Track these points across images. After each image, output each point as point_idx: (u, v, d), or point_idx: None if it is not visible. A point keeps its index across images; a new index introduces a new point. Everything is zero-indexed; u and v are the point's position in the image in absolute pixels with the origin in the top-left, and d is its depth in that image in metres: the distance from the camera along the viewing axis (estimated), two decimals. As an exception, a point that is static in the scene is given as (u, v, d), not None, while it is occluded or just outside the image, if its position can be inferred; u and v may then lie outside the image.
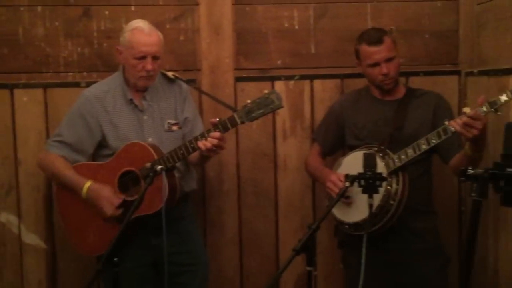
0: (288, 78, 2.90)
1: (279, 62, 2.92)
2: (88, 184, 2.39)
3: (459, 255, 2.95)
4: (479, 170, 1.15)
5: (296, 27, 2.91)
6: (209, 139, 2.22)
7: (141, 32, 2.41)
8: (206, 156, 2.35)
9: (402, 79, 2.84)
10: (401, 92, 2.54)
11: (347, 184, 2.01)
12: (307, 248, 1.88)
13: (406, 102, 2.49)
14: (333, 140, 2.64)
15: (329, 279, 2.95)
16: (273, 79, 2.90)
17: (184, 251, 2.53)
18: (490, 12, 2.69)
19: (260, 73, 2.91)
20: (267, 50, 2.91)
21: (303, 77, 2.91)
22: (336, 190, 2.35)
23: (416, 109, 2.47)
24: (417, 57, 2.93)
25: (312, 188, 2.93)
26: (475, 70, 2.81)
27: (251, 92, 2.84)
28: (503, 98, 2.03)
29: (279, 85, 2.90)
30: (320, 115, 2.81)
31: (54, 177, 2.54)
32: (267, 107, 2.20)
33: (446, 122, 2.18)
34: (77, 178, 2.42)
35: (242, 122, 2.22)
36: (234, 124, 2.22)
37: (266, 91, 2.21)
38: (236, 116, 2.21)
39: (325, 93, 2.91)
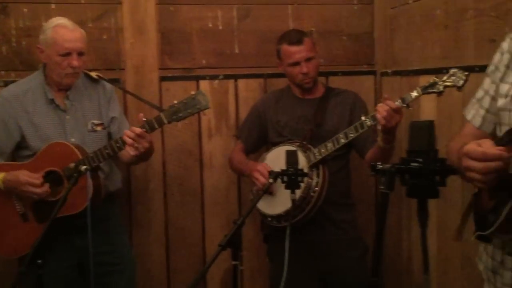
0: (213, 77, 2.96)
1: (203, 61, 2.97)
2: (1, 175, 2.33)
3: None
4: (387, 165, 1.25)
5: (220, 27, 2.97)
6: (130, 133, 2.21)
7: (64, 28, 2.37)
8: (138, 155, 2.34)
9: (322, 79, 2.97)
10: (320, 91, 2.66)
11: (271, 180, 2.09)
12: (232, 243, 1.94)
13: (325, 101, 2.61)
14: (256, 137, 2.73)
15: (256, 274, 3.04)
16: (198, 78, 2.95)
17: (110, 251, 2.53)
18: (402, 16, 2.87)
19: (185, 72, 2.95)
20: (191, 50, 2.95)
21: (227, 77, 2.97)
22: (262, 180, 2.42)
23: (334, 107, 2.60)
24: (336, 57, 3.08)
25: (238, 185, 3.00)
26: (389, 71, 2.99)
27: (176, 92, 2.87)
28: (414, 94, 2.18)
29: (204, 85, 2.95)
30: (244, 113, 2.88)
31: None
32: (193, 107, 2.23)
33: (363, 117, 2.31)
34: None
35: (169, 122, 2.24)
36: (160, 124, 2.24)
37: (192, 92, 2.24)
38: (162, 116, 2.23)
39: (249, 92, 2.99)
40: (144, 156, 2.33)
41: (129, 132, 2.22)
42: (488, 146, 1.17)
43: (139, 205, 2.92)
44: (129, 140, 2.21)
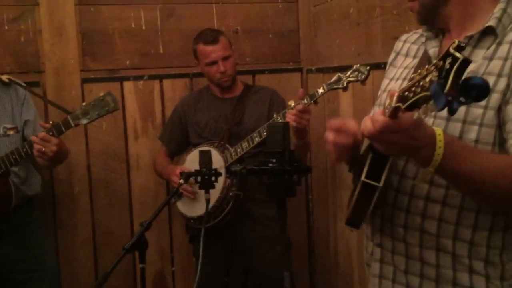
0: (137, 78, 2.93)
1: (127, 62, 2.93)
2: None
3: (308, 238, 3.17)
4: (238, 167, 1.26)
5: (144, 27, 2.94)
6: (35, 138, 2.18)
7: None
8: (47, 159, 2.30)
9: (249, 77, 2.98)
10: (239, 89, 2.67)
11: (181, 181, 2.09)
12: (139, 245, 1.93)
13: (243, 99, 2.62)
14: (178, 139, 2.72)
15: (186, 274, 3.03)
16: (122, 79, 2.92)
17: (29, 257, 2.48)
18: (323, 14, 2.90)
19: (109, 73, 2.91)
20: (114, 51, 2.92)
21: (152, 77, 2.95)
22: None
23: (253, 105, 2.61)
24: (262, 56, 3.09)
25: (166, 186, 2.98)
26: (313, 68, 3.02)
27: (100, 93, 2.82)
28: (320, 90, 2.22)
29: (128, 85, 2.92)
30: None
31: None
32: (102, 109, 2.21)
33: (275, 115, 2.32)
34: None
35: (77, 125, 2.21)
36: (68, 126, 2.21)
37: (101, 94, 2.22)
38: (70, 118, 2.20)
39: (175, 92, 2.97)
40: (56, 159, 2.29)
41: (34, 137, 2.19)
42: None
43: (64, 209, 2.88)
44: (36, 146, 2.17)
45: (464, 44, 0.89)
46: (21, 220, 2.45)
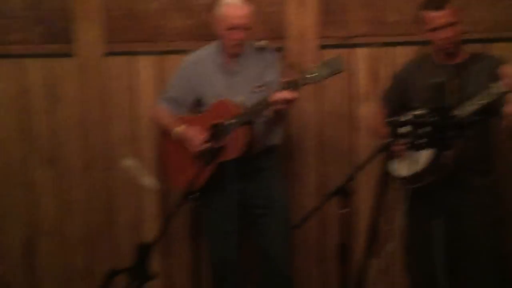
0: (368, 45, 3.12)
1: (361, 30, 3.14)
2: (178, 128, 2.89)
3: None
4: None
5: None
6: (278, 94, 2.57)
7: (232, 6, 2.80)
8: (279, 112, 2.69)
9: (479, 46, 2.91)
10: (462, 56, 2.65)
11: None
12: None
13: (466, 66, 2.61)
14: (396, 102, 2.82)
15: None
16: (354, 46, 3.14)
17: (265, 196, 2.92)
18: None
19: (343, 40, 3.15)
20: (350, 19, 3.13)
21: (384, 44, 3.11)
22: None
23: (474, 73, 2.58)
24: (496, 23, 2.99)
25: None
26: None
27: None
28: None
29: (360, 52, 3.14)
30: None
31: (158, 125, 3.08)
32: (330, 70, 2.50)
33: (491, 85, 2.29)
34: (171, 123, 2.94)
35: (304, 84, 2.54)
36: (302, 83, 2.55)
37: (329, 57, 2.51)
38: (302, 76, 2.54)
39: (403, 59, 3.02)
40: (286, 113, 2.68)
41: (276, 95, 2.58)
42: None
43: (295, 161, 3.24)
44: (275, 99, 2.56)
45: None
46: (262, 165, 2.91)
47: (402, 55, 3.07)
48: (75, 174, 3.42)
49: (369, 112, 3.11)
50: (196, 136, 2.83)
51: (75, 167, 3.42)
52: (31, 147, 3.44)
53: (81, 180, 3.42)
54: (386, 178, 1.43)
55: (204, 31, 3.19)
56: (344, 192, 2.09)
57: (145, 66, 3.34)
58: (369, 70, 3.14)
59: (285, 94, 2.57)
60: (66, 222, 3.46)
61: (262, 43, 2.90)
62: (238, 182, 2.83)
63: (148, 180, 3.26)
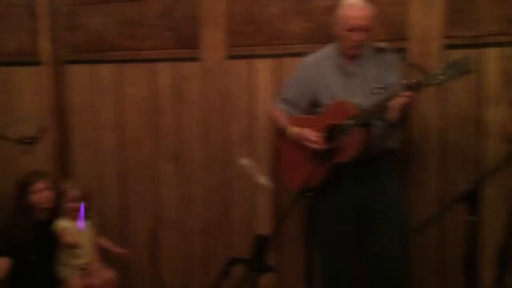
0: (501, 44, 2.90)
1: (491, 28, 2.93)
2: (295, 128, 2.91)
3: None
4: None
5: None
6: (397, 96, 2.48)
7: (352, 7, 2.77)
8: (397, 115, 2.59)
9: None
10: None
11: None
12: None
13: None
14: None
15: None
16: (484, 45, 2.93)
17: (382, 200, 2.84)
18: None
19: (471, 40, 2.96)
20: (479, 17, 2.94)
21: (517, 44, 2.88)
22: None
23: None
24: None
25: None
26: None
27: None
28: None
29: (491, 52, 2.93)
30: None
31: (274, 125, 3.13)
32: (456, 71, 2.35)
33: None
34: (288, 124, 2.97)
35: (427, 86, 2.42)
36: (423, 85, 2.44)
37: (458, 57, 2.37)
38: (425, 77, 2.42)
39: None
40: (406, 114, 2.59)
41: (395, 97, 2.51)
42: None
43: (415, 166, 3.12)
44: (394, 103, 2.48)
45: None
46: (379, 169, 2.84)
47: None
48: (196, 170, 3.63)
49: (501, 116, 2.91)
50: (312, 135, 2.82)
51: (196, 163, 3.62)
52: (159, 144, 3.70)
53: (201, 175, 3.62)
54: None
55: (322, 34, 3.19)
56: (473, 199, 1.95)
57: (263, 69, 3.42)
58: (500, 71, 2.91)
59: (405, 97, 2.47)
60: (186, 215, 3.68)
61: (383, 44, 2.82)
62: (353, 184, 2.79)
63: (263, 179, 3.33)
